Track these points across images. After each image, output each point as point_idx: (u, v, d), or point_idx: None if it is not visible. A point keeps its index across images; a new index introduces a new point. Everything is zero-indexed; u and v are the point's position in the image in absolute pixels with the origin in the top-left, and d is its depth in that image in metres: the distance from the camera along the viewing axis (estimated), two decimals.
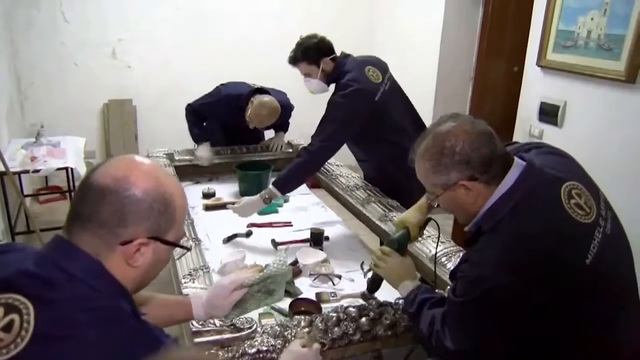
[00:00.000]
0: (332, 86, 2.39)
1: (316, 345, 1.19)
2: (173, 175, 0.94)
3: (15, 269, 0.80)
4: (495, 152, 1.15)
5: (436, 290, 1.58)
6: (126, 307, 0.83)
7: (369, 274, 1.68)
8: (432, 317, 1.27)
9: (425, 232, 1.92)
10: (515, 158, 1.20)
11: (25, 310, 0.75)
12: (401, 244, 1.56)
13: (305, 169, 2.28)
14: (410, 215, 1.62)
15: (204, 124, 3.02)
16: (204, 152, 2.91)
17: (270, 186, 2.23)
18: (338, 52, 2.40)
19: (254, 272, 1.32)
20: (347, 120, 2.24)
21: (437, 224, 1.62)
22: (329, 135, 2.22)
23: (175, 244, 0.91)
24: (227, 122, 3.03)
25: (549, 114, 2.62)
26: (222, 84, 2.97)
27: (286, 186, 2.25)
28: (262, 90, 2.84)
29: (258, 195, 2.23)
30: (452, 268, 1.69)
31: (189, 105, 2.96)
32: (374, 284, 1.62)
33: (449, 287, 1.63)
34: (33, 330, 0.74)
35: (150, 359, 0.74)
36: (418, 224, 1.62)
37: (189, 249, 0.89)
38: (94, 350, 0.74)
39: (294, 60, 2.39)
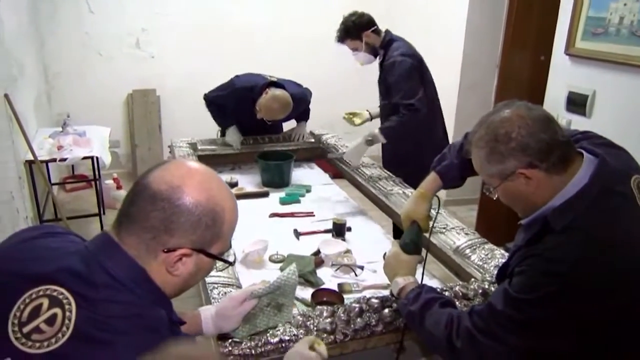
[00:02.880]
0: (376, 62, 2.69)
1: (322, 350, 1.18)
2: (227, 187, 0.93)
3: (60, 264, 0.81)
4: (555, 139, 1.07)
5: (459, 282, 1.57)
6: (164, 316, 0.83)
7: None
8: (449, 316, 1.17)
9: (448, 223, 1.91)
10: (585, 153, 1.12)
11: (68, 306, 0.76)
12: (415, 241, 1.47)
13: (411, 121, 2.48)
14: (416, 207, 1.55)
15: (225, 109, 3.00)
16: (233, 136, 2.92)
17: (377, 131, 2.50)
18: None
19: (262, 284, 1.32)
20: (416, 71, 2.51)
21: (438, 199, 1.55)
22: (415, 89, 2.47)
23: (218, 258, 0.91)
24: (240, 115, 2.97)
25: (577, 103, 2.56)
26: (236, 76, 2.91)
27: (393, 135, 2.51)
28: (276, 84, 2.77)
29: (361, 138, 2.54)
30: (476, 259, 1.68)
31: (205, 95, 2.96)
32: None
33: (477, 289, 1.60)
34: (73, 327, 0.75)
35: (154, 351, 0.74)
36: (427, 216, 1.55)
37: (231, 264, 0.89)
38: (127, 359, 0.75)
39: (340, 39, 2.67)
